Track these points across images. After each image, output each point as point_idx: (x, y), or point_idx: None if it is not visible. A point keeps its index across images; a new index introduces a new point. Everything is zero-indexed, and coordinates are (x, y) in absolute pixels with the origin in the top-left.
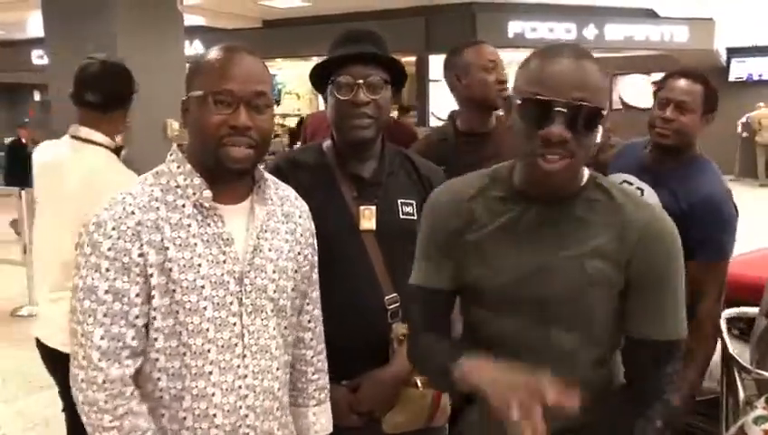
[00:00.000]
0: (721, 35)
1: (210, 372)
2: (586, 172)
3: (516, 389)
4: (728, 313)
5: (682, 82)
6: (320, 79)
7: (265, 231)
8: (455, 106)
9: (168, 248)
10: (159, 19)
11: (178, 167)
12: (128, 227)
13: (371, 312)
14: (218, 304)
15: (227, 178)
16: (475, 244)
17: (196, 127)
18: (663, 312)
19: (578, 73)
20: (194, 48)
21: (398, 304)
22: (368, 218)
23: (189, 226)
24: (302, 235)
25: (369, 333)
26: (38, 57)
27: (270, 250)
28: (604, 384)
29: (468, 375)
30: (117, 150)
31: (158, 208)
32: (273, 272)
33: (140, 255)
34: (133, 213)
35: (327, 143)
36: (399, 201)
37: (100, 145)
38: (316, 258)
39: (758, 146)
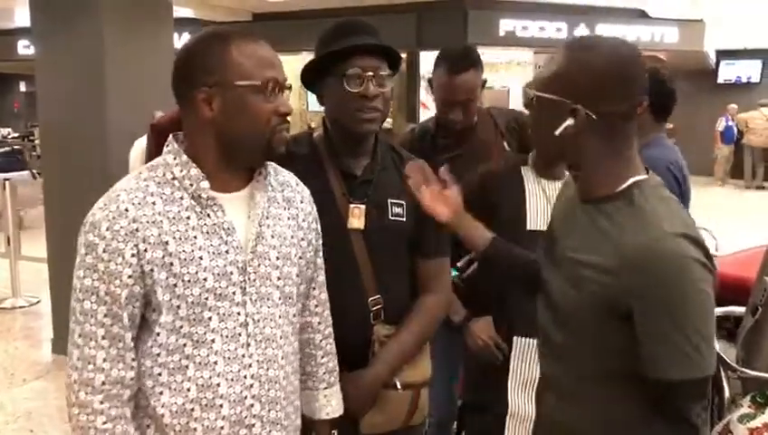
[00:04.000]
0: (711, 37)
1: (215, 362)
2: (631, 180)
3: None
4: (715, 312)
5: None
6: (314, 73)
7: (267, 217)
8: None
9: (167, 243)
10: (148, 9)
11: (174, 158)
12: (121, 227)
13: (354, 312)
14: (221, 294)
15: (257, 163)
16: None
17: (244, 116)
18: (665, 346)
19: (545, 62)
20: (183, 40)
21: (380, 306)
22: (357, 217)
23: (188, 218)
24: (303, 220)
25: (350, 334)
26: (24, 47)
27: (273, 237)
28: (619, 409)
29: None
30: None
31: (153, 203)
32: (277, 259)
33: (134, 254)
34: (127, 210)
35: (318, 135)
36: (390, 201)
37: None
38: (320, 242)
39: (745, 148)
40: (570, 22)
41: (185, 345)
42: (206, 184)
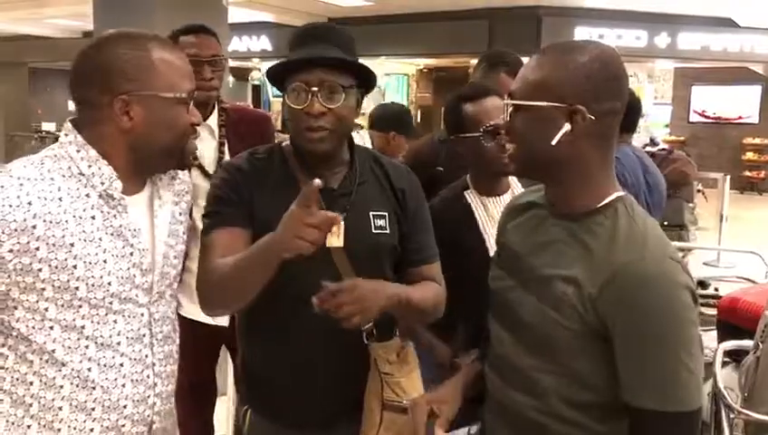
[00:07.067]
0: None
1: (121, 364)
2: (614, 195)
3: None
4: (725, 345)
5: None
6: (279, 82)
7: (168, 218)
8: None
9: (72, 245)
10: (203, 15)
11: (78, 151)
12: (14, 220)
13: (347, 335)
14: (125, 298)
15: (165, 170)
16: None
17: (166, 128)
18: (644, 374)
19: (523, 70)
20: (260, 44)
21: (372, 324)
22: (335, 235)
23: (93, 218)
24: (181, 213)
25: (346, 357)
26: None
27: (169, 235)
28: None
29: None
30: None
31: (60, 199)
32: (175, 258)
33: (11, 250)
34: (30, 204)
35: (286, 145)
36: (371, 213)
37: None
38: None
39: None
40: (650, 30)
41: (87, 347)
42: (119, 184)
